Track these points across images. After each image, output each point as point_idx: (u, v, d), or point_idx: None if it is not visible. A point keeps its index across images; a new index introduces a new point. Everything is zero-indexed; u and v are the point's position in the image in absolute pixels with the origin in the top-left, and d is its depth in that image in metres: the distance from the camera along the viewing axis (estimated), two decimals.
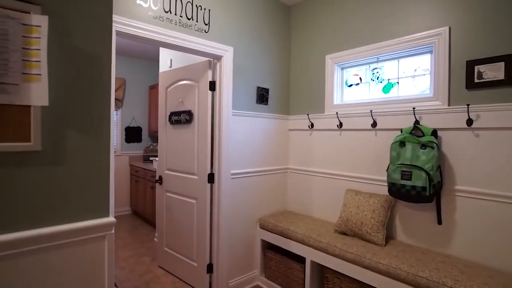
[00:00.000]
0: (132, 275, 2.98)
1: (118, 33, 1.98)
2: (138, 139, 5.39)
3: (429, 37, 2.11)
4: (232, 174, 2.61)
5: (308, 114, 2.90)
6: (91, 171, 1.10)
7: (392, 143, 2.12)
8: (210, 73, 2.58)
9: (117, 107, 5.09)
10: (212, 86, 2.59)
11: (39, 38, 0.95)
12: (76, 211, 1.06)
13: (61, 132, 1.03)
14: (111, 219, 1.13)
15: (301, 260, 2.50)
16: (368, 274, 1.94)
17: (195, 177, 2.69)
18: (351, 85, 2.72)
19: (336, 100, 2.75)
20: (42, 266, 0.98)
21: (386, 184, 2.32)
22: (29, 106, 0.96)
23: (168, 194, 3.02)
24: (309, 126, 2.91)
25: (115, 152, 5.11)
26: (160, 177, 3.11)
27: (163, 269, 3.10)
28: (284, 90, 3.09)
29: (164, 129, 3.08)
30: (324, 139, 2.81)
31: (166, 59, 3.52)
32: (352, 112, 2.56)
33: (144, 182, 4.64)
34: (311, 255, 2.32)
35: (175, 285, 2.78)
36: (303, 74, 3.01)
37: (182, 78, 2.84)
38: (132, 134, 5.31)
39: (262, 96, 2.84)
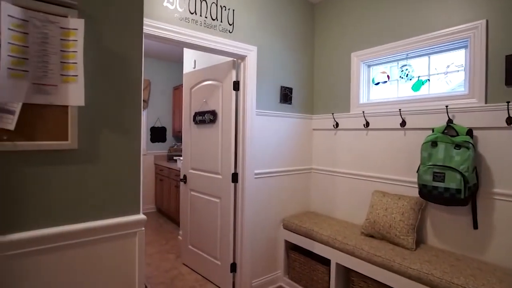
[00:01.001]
0: (157, 272, 3.05)
1: (146, 35, 2.03)
2: (163, 139, 5.52)
3: (464, 31, 2.00)
4: (256, 173, 2.61)
5: (333, 114, 2.85)
6: (123, 169, 1.13)
7: (423, 143, 2.03)
8: (234, 73, 2.60)
9: (143, 107, 5.24)
10: (236, 86, 2.60)
11: (75, 40, 0.99)
12: (108, 208, 1.09)
13: (95, 132, 1.07)
14: (141, 216, 1.15)
15: (325, 262, 2.45)
16: (397, 279, 1.87)
17: (219, 176, 2.71)
18: (378, 83, 2.64)
19: (362, 99, 2.68)
20: (75, 261, 1.01)
21: (416, 185, 2.23)
22: (67, 106, 1.00)
23: (192, 193, 3.07)
24: (333, 125, 2.85)
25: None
26: (185, 176, 3.16)
27: (187, 266, 3.16)
28: (307, 89, 3.05)
29: (189, 129, 3.13)
30: (350, 139, 2.74)
31: (190, 60, 3.57)
32: (380, 111, 2.48)
33: (169, 181, 4.74)
34: (336, 257, 2.27)
35: (199, 283, 2.82)
36: (328, 73, 2.95)
37: (206, 78, 2.88)
38: (157, 134, 5.45)
39: (286, 96, 2.82)
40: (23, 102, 0.92)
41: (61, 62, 0.98)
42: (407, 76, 2.40)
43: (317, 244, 2.43)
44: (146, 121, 5.33)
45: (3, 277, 0.90)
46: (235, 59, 2.60)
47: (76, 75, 1.00)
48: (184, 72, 3.41)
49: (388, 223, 2.16)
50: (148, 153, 5.36)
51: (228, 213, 2.62)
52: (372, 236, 2.28)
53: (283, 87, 2.80)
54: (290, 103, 2.87)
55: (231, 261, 2.62)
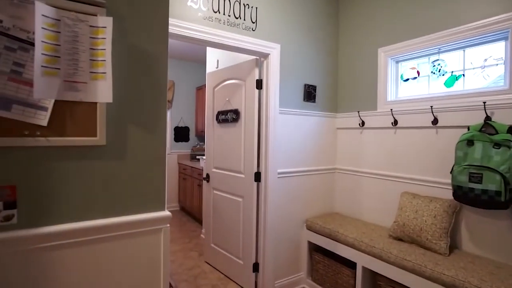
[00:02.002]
0: (181, 269, 3.09)
1: (171, 35, 2.05)
2: (186, 139, 5.61)
3: (503, 22, 1.86)
4: (279, 173, 2.58)
5: (358, 112, 2.76)
6: (149, 166, 1.14)
7: (458, 142, 1.91)
8: (257, 71, 2.58)
9: (167, 107, 5.35)
10: (259, 84, 2.58)
11: (104, 38, 1.01)
12: (134, 204, 1.11)
13: (122, 128, 1.08)
14: (166, 213, 1.16)
15: (351, 265, 2.37)
16: (429, 286, 1.77)
17: (242, 175, 2.70)
18: (407, 79, 2.52)
19: (390, 96, 2.57)
20: (102, 256, 1.03)
21: (449, 187, 2.10)
22: (95, 103, 1.02)
23: (215, 191, 3.08)
24: (359, 124, 2.76)
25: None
26: (208, 175, 3.18)
27: (210, 264, 3.17)
28: (332, 87, 2.98)
29: (212, 128, 3.14)
30: (377, 138, 2.64)
31: (213, 60, 3.60)
32: (409, 109, 2.36)
33: (191, 180, 4.81)
34: (363, 261, 2.19)
35: (222, 282, 2.82)
36: (353, 70, 2.86)
37: (229, 77, 2.88)
38: (180, 134, 5.55)
39: (310, 94, 2.76)
40: (55, 99, 0.95)
41: (90, 59, 1.00)
42: (439, 71, 2.28)
43: (342, 246, 2.35)
44: (170, 121, 5.44)
45: (33, 269, 0.92)
46: (258, 57, 2.58)
47: (105, 72, 1.01)
48: (207, 72, 3.44)
49: (418, 226, 2.05)
50: (172, 152, 5.47)
51: (250, 212, 2.61)
52: (401, 240, 2.18)
53: (307, 85, 2.75)
54: (314, 101, 2.81)
55: (254, 261, 2.60)
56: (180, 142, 5.57)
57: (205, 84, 5.04)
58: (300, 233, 2.77)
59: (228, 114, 2.86)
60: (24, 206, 0.93)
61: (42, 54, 0.91)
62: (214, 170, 3.09)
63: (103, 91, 1.01)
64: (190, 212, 4.97)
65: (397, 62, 2.59)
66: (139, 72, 1.11)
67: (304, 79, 2.74)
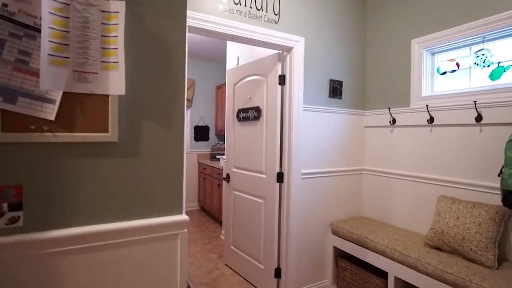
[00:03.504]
0: (200, 271, 3.02)
1: (190, 28, 1.96)
2: (206, 138, 5.57)
3: None
4: (303, 174, 2.43)
5: (389, 109, 2.56)
6: (165, 165, 1.04)
7: (508, 141, 1.69)
8: (279, 66, 2.44)
9: (187, 107, 5.33)
10: (282, 80, 2.44)
11: (116, 24, 0.92)
12: (148, 207, 1.01)
13: (136, 124, 0.99)
14: (184, 217, 1.05)
15: (381, 274, 2.19)
16: None
17: (263, 176, 2.58)
18: (444, 72, 2.30)
19: (425, 91, 2.35)
20: (111, 263, 0.94)
21: (496, 191, 1.88)
22: (107, 96, 0.94)
23: (235, 192, 2.98)
24: (390, 122, 2.56)
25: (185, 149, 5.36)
26: (228, 175, 3.08)
27: (229, 267, 3.08)
28: (359, 82, 2.79)
29: (232, 127, 3.04)
30: (409, 137, 2.43)
31: (233, 57, 3.51)
32: (447, 105, 2.15)
33: (211, 180, 4.74)
34: (395, 271, 2.00)
35: (242, 286, 2.71)
36: (383, 63, 2.66)
37: (250, 73, 2.77)
38: (200, 133, 5.51)
39: (336, 90, 2.60)
40: (64, 90, 0.87)
41: (101, 48, 0.91)
42: (484, 62, 2.05)
43: (372, 254, 2.18)
44: (190, 120, 5.41)
45: (41, 276, 0.84)
46: (280, 52, 2.45)
47: (117, 62, 0.92)
48: (227, 69, 3.34)
49: (460, 235, 1.85)
50: (192, 151, 5.44)
51: (272, 214, 2.48)
52: (439, 249, 1.97)
53: (333, 80, 2.58)
54: (340, 98, 2.64)
55: (276, 266, 2.47)
56: (200, 142, 5.53)
57: (225, 83, 4.97)
58: (325, 238, 2.61)
59: (249, 112, 2.75)
60: (30, 207, 0.85)
61: (50, 41, 0.83)
62: (235, 170, 2.98)
63: (115, 83, 0.92)
64: (210, 212, 4.91)
65: (433, 54, 2.37)
66: (155, 62, 1.02)
67: (329, 74, 2.58)
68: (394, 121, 2.53)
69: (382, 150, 2.67)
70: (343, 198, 2.71)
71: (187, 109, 5.35)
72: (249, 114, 2.74)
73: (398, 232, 2.31)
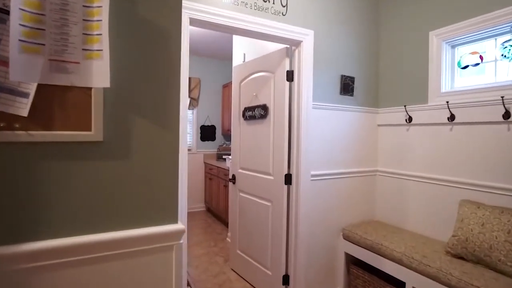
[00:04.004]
0: (205, 275, 2.90)
1: (192, 21, 1.85)
2: (212, 138, 5.46)
3: None
4: (312, 175, 2.29)
5: (405, 106, 2.39)
6: (158, 168, 0.92)
7: None
8: (287, 61, 2.31)
9: (193, 106, 5.23)
10: (290, 76, 2.31)
11: (100, 7, 0.80)
12: (138, 216, 0.89)
13: (124, 121, 0.87)
14: (179, 226, 0.93)
15: (397, 283, 2.03)
16: None
17: (271, 177, 2.45)
18: (465, 66, 2.13)
19: (445, 87, 2.19)
20: (96, 279, 0.82)
21: None
22: (90, 89, 0.82)
23: (241, 194, 2.86)
24: (406, 120, 2.40)
25: (190, 150, 5.27)
26: (234, 176, 2.96)
27: (235, 272, 2.95)
28: (373, 78, 2.63)
29: (238, 126, 2.92)
30: (427, 136, 2.27)
31: (240, 54, 3.39)
32: (470, 101, 1.98)
33: (218, 180, 4.64)
34: (413, 281, 1.85)
35: None
36: (398, 58, 2.50)
37: (257, 70, 2.64)
38: (206, 133, 5.41)
39: (347, 86, 2.45)
40: (38, 82, 0.75)
41: (83, 34, 0.79)
42: None
43: (387, 262, 2.02)
44: (196, 120, 5.32)
45: None
46: (288, 46, 2.31)
47: (101, 50, 0.80)
48: (233, 66, 3.22)
49: (487, 243, 1.68)
50: (198, 151, 5.34)
51: (280, 218, 2.35)
52: (462, 258, 1.81)
53: (344, 76, 2.43)
54: (352, 95, 2.49)
55: (284, 273, 2.33)
56: (207, 141, 5.43)
57: (231, 81, 4.86)
58: (336, 243, 2.46)
59: (256, 110, 2.62)
60: (1, 217, 0.74)
61: (21, 25, 0.72)
62: (241, 171, 2.86)
63: (99, 74, 0.80)
64: (216, 213, 4.80)
65: (453, 46, 2.20)
66: (146, 51, 0.90)
67: (340, 70, 2.43)
68: (410, 119, 2.37)
69: (397, 150, 2.51)
70: (355, 201, 2.56)
71: (193, 109, 5.26)
72: (256, 113, 2.61)
73: (415, 239, 2.15)
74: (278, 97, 2.37)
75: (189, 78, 5.15)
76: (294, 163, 2.29)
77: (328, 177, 2.39)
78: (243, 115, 2.81)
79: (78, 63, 0.79)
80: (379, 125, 2.66)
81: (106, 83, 0.81)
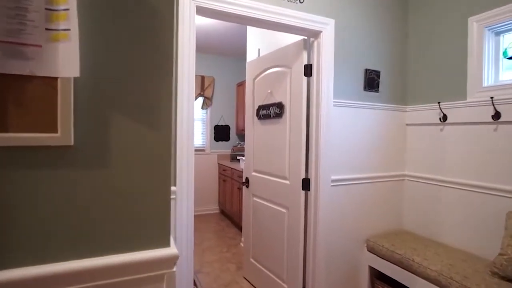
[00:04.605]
0: (216, 284, 2.74)
1: (199, 9, 1.68)
2: (226, 138, 5.31)
3: None
4: (333, 180, 2.07)
5: (439, 103, 2.12)
6: (144, 179, 0.74)
7: None
8: (305, 55, 2.09)
9: (207, 105, 5.09)
10: (308, 70, 2.09)
11: None
12: (120, 238, 0.71)
13: (101, 121, 0.69)
14: (172, 251, 0.75)
15: None
16: None
17: (287, 182, 2.24)
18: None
19: (488, 80, 1.91)
20: None
21: None
22: (56, 79, 0.65)
23: (254, 199, 2.67)
24: (440, 118, 2.13)
25: (204, 150, 5.13)
26: (247, 179, 2.78)
27: (248, 281, 2.77)
28: (401, 72, 2.37)
29: (252, 126, 2.73)
30: (465, 137, 1.99)
31: (254, 50, 3.20)
32: None
33: (231, 182, 4.47)
34: None
35: None
36: (430, 48, 2.23)
37: (272, 65, 2.44)
38: (220, 133, 5.25)
39: (372, 81, 2.20)
40: None
41: (46, 9, 0.62)
42: None
43: (419, 280, 1.77)
44: (209, 119, 5.17)
45: None
46: (306, 38, 2.10)
47: (69, 29, 0.63)
48: (247, 62, 3.03)
49: None
50: (212, 152, 5.20)
51: (297, 226, 2.14)
52: None
53: (369, 70, 2.19)
54: (377, 91, 2.24)
55: (301, 286, 2.12)
56: (221, 142, 5.28)
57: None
58: (359, 255, 2.22)
59: (271, 109, 2.42)
60: None
61: None
62: (254, 174, 2.67)
63: (66, 60, 0.63)
64: (230, 216, 4.64)
65: (498, 34, 1.91)
66: (129, 32, 0.72)
67: (364, 63, 2.19)
68: (445, 117, 2.10)
69: (428, 153, 2.24)
70: (381, 209, 2.31)
71: (206, 108, 5.11)
72: (271, 111, 2.41)
73: (452, 254, 1.88)
74: (295, 94, 2.16)
75: (203, 77, 5.01)
76: (312, 167, 2.07)
77: (350, 182, 2.15)
78: (257, 114, 2.62)
79: (39, 46, 0.62)
80: (407, 125, 2.40)
81: (75, 72, 0.63)
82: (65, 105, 0.65)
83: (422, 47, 2.28)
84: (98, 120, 0.69)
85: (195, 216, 4.97)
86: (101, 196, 0.70)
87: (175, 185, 1.60)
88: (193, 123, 1.68)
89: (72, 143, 0.66)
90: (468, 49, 1.98)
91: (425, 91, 2.26)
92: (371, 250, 2.15)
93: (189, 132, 1.64)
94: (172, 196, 1.59)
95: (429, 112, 2.21)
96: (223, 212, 5.12)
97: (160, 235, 0.75)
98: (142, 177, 0.73)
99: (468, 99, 1.97)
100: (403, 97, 2.39)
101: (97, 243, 0.70)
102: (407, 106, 2.39)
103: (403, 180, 2.40)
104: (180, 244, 1.59)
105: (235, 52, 4.97)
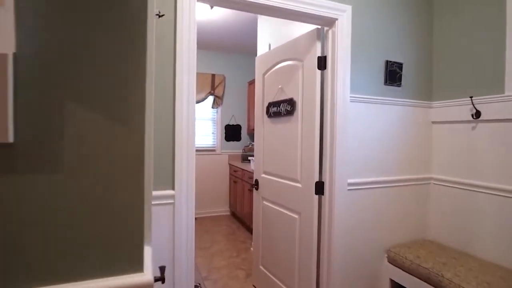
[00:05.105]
0: None
1: None
2: (238, 138, 5.16)
3: None
4: (349, 184, 1.87)
5: (471, 98, 1.88)
6: (108, 185, 0.58)
7: None
8: (318, 46, 1.91)
9: (217, 104, 4.96)
10: (322, 63, 1.90)
11: None
12: (74, 261, 0.56)
13: (52, 112, 0.54)
14: (146, 278, 0.59)
15: None
16: None
17: (298, 185, 2.05)
18: None
19: None
20: None
21: None
22: None
23: (264, 202, 2.50)
24: (472, 115, 1.89)
25: (214, 150, 5.00)
26: (257, 181, 2.61)
27: None
28: (425, 63, 2.14)
29: (261, 124, 2.56)
30: (504, 136, 1.75)
31: (265, 45, 3.04)
32: None
33: (242, 183, 4.32)
34: None
35: None
36: (459, 34, 1.99)
37: (282, 58, 2.26)
38: (231, 132, 5.11)
39: (394, 74, 1.99)
40: None
41: None
42: None
43: None
44: (220, 119, 5.04)
45: None
46: (319, 27, 1.91)
47: None
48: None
49: None
50: (223, 152, 5.06)
51: (309, 234, 1.95)
52: None
53: (390, 62, 1.98)
54: (400, 85, 2.02)
55: None
56: (232, 142, 5.13)
57: None
58: (379, 267, 2.01)
59: (281, 106, 2.24)
60: None
61: None
62: (264, 176, 2.50)
63: None
64: (241, 218, 4.48)
65: None
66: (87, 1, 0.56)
67: (385, 54, 1.98)
68: (477, 114, 1.86)
69: (458, 154, 2.00)
70: (403, 216, 2.08)
71: (217, 107, 4.98)
72: (281, 108, 2.24)
73: (487, 270, 1.65)
74: (308, 89, 1.97)
75: (213, 75, 4.88)
76: (327, 169, 1.88)
77: (369, 186, 1.95)
78: (267, 111, 2.44)
79: None
80: (433, 122, 2.16)
81: (9, 47, 0.48)
82: (0, 91, 0.50)
83: (451, 33, 2.05)
84: (47, 112, 0.54)
85: (205, 217, 4.85)
86: (48, 207, 0.54)
87: (173, 188, 1.45)
88: (194, 122, 1.53)
89: (10, 140, 0.51)
90: (506, 33, 1.73)
91: (453, 84, 2.03)
92: (392, 261, 1.93)
93: (189, 131, 1.49)
94: (170, 201, 1.45)
95: (459, 108, 1.97)
96: (234, 214, 4.97)
97: (128, 258, 0.59)
98: (104, 183, 0.58)
99: (506, 93, 1.73)
100: (428, 91, 2.15)
101: (53, 266, 0.55)
102: (433, 102, 2.16)
103: (428, 183, 2.17)
104: (179, 252, 1.44)
105: (246, 49, 4.82)
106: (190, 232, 1.49)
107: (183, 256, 1.45)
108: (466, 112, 1.93)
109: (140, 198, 0.60)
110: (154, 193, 1.38)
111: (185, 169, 1.47)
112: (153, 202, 1.36)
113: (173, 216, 1.44)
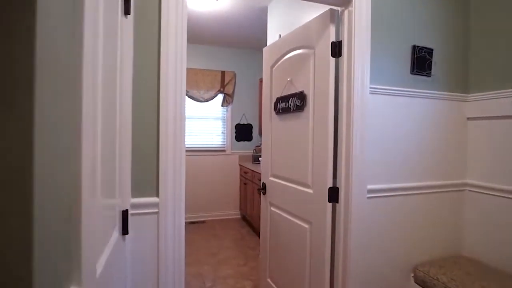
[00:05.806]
0: None
1: None
2: (249, 138, 4.93)
3: None
4: (369, 190, 1.60)
5: None
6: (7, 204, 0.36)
7: None
8: (332, 29, 1.64)
9: (227, 103, 4.75)
10: (337, 49, 1.64)
11: None
12: None
13: None
14: None
15: None
16: None
17: (309, 190, 1.80)
18: None
19: None
20: None
21: None
22: None
23: (272, 208, 2.25)
24: None
25: (224, 150, 4.79)
26: (264, 185, 2.37)
27: None
28: (460, 48, 1.83)
29: (269, 122, 2.32)
30: None
31: (275, 37, 2.81)
32: None
33: (252, 186, 4.08)
34: None
35: None
36: (500, 12, 1.67)
37: (292, 47, 2.01)
38: (242, 132, 4.88)
39: (422, 61, 1.70)
40: None
41: None
42: None
43: None
44: (231, 118, 4.82)
45: None
46: (333, 7, 1.64)
47: None
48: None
49: None
50: (233, 152, 4.84)
51: (322, 247, 1.69)
52: None
53: (418, 47, 1.69)
54: (429, 74, 1.73)
55: None
56: (242, 142, 4.90)
57: None
58: (403, 286, 1.72)
59: (290, 100, 1.99)
60: None
61: None
62: (272, 179, 2.25)
63: None
64: (251, 222, 4.25)
65: None
66: None
67: (412, 38, 1.69)
68: None
69: (500, 156, 1.68)
70: (433, 228, 1.78)
71: (227, 106, 4.77)
72: (290, 104, 1.98)
73: None
74: (320, 80, 1.71)
75: (223, 72, 4.68)
76: (342, 173, 1.61)
77: (392, 193, 1.66)
78: (275, 108, 2.20)
79: None
80: (469, 119, 1.85)
81: None
82: None
83: (491, 11, 1.73)
84: None
85: (215, 220, 4.65)
86: None
87: (157, 195, 1.23)
88: (184, 121, 1.31)
89: None
90: None
91: (494, 72, 1.71)
92: (420, 283, 1.64)
93: (178, 131, 1.28)
94: (154, 210, 1.23)
95: (502, 102, 1.65)
96: (244, 218, 4.75)
97: None
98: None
99: None
100: (463, 82, 1.84)
101: None
102: (469, 95, 1.84)
103: (463, 190, 1.85)
104: (164, 273, 1.22)
105: (257, 44, 4.58)
106: (178, 247, 1.27)
107: (169, 279, 1.23)
108: (509, 106, 1.61)
109: (26, 227, 0.37)
110: (134, 200, 1.17)
111: (172, 173, 1.25)
112: (132, 212, 1.15)
113: (157, 226, 1.22)
